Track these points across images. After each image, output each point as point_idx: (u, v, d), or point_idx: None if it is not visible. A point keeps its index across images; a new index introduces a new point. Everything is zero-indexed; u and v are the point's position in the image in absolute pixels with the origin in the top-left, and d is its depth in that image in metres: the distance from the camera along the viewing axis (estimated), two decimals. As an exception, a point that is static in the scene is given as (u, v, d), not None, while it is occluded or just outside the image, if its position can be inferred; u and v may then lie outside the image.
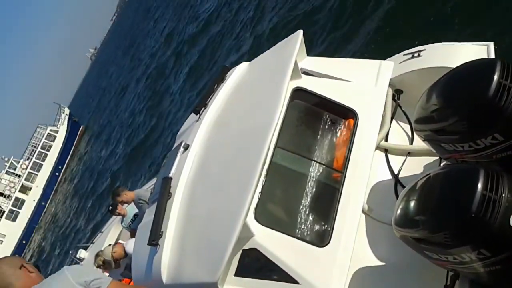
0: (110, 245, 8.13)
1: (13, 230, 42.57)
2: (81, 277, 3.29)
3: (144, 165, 18.88)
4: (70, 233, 26.85)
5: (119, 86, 38.97)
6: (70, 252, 10.71)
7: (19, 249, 42.29)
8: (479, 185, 2.55)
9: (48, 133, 46.45)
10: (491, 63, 2.92)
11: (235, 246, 3.27)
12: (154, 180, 9.00)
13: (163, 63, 26.40)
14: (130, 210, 8.26)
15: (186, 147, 4.25)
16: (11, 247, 42.09)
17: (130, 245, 7.33)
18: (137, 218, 8.00)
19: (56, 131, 46.11)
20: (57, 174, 44.76)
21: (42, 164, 44.94)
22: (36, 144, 46.31)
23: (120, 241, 9.25)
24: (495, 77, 2.81)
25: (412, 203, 2.96)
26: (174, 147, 4.77)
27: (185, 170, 4.07)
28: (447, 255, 2.76)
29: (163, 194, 4.02)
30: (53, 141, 45.67)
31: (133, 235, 8.31)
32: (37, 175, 44.82)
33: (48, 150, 45.50)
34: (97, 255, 7.71)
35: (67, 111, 47.89)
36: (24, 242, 42.24)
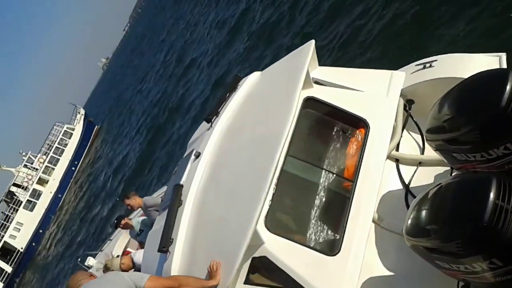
0: (118, 256, 8.12)
1: (31, 219, 44.02)
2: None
3: (154, 172, 18.96)
4: (84, 225, 27.12)
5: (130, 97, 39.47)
6: (79, 259, 10.72)
7: (36, 238, 43.50)
8: (492, 195, 2.55)
9: (65, 130, 48.17)
10: (504, 74, 2.93)
11: (245, 254, 3.28)
12: (163, 189, 9.04)
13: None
14: (135, 224, 8.25)
15: (198, 155, 4.28)
16: (28, 235, 43.43)
17: (138, 256, 7.32)
18: (144, 232, 8.01)
19: (73, 129, 47.98)
20: (73, 168, 46.50)
21: (59, 159, 46.53)
22: (53, 140, 48.16)
23: (128, 249, 9.25)
24: (508, 87, 2.82)
25: (423, 213, 2.96)
26: (185, 155, 4.80)
27: (196, 177, 4.09)
28: (459, 265, 2.74)
29: (174, 201, 4.04)
30: (70, 138, 47.42)
31: (141, 246, 8.32)
32: (54, 169, 46.32)
33: (65, 146, 47.16)
34: (105, 267, 7.69)
35: (82, 111, 49.58)
36: (41, 231, 43.60)
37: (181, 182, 4.17)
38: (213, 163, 4.13)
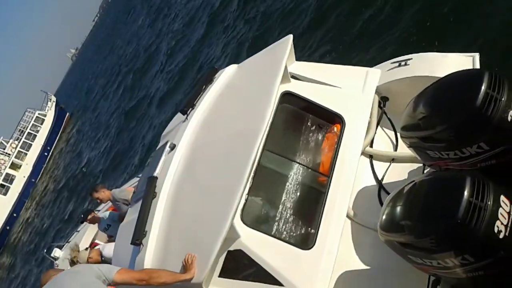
0: (86, 249, 7.97)
1: (4, 203, 44.15)
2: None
3: (124, 162, 18.70)
4: (57, 209, 26.78)
5: (100, 87, 38.89)
6: (45, 250, 10.48)
7: (10, 221, 43.34)
8: (466, 192, 2.61)
9: (37, 116, 48.17)
10: (479, 74, 3.00)
11: (221, 247, 3.27)
12: (133, 180, 8.91)
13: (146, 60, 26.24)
14: (102, 219, 8.12)
15: (173, 147, 4.22)
16: (2, 219, 43.45)
17: (107, 249, 7.20)
18: (112, 226, 7.89)
19: (44, 115, 48.07)
20: (46, 154, 46.62)
21: (31, 144, 46.65)
22: (25, 126, 48.11)
23: (97, 241, 9.11)
24: (483, 87, 2.89)
25: (398, 209, 3.01)
26: (159, 146, 4.74)
27: (171, 170, 4.04)
28: (431, 260, 2.81)
29: (148, 193, 3.99)
30: (42, 124, 47.51)
31: (110, 239, 8.20)
32: (26, 154, 46.44)
33: (37, 132, 47.29)
34: (72, 260, 7.51)
35: (53, 98, 49.65)
36: (14, 215, 43.62)
37: (155, 174, 4.12)
38: (189, 155, 4.09)
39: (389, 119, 4.43)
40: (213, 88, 4.46)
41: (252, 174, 3.59)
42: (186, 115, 4.44)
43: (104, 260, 7.04)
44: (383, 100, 4.42)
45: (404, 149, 4.19)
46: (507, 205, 2.63)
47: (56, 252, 9.59)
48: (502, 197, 2.64)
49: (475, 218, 2.56)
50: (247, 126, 3.68)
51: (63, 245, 9.83)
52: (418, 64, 4.24)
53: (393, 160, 4.29)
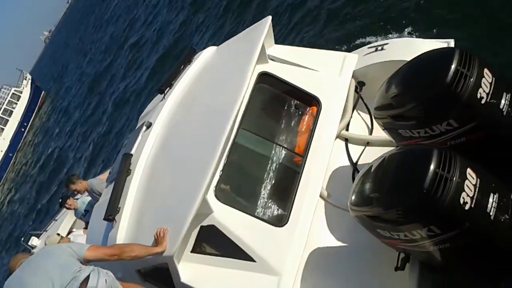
0: (58, 234, 7.89)
1: None
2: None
3: (100, 141, 18.58)
4: (34, 184, 26.50)
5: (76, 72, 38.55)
6: (22, 239, 10.35)
7: None
8: (433, 163, 2.66)
9: (13, 92, 48.44)
10: (450, 51, 3.06)
11: (193, 221, 3.27)
12: (110, 169, 8.85)
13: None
14: (81, 205, 8.06)
15: (149, 125, 4.22)
16: None
17: (79, 239, 7.17)
18: (89, 212, 7.82)
19: (20, 92, 48.33)
20: (22, 130, 47.02)
21: (8, 120, 47.09)
22: (2, 102, 48.32)
23: (74, 229, 9.04)
24: (453, 65, 2.94)
25: (367, 183, 3.06)
26: (137, 127, 4.73)
27: (146, 147, 4.04)
28: (399, 233, 2.85)
29: (122, 170, 3.97)
30: (18, 100, 47.82)
31: (87, 226, 8.14)
32: (3, 129, 46.98)
33: (14, 108, 47.54)
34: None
35: (29, 76, 49.73)
36: None
37: (131, 152, 4.11)
38: (165, 133, 4.09)
39: (365, 103, 4.48)
40: (191, 68, 4.47)
41: (227, 151, 3.61)
42: (163, 95, 4.44)
43: None
44: (359, 85, 4.48)
45: (379, 133, 4.25)
46: (474, 178, 2.68)
47: (34, 241, 9.49)
48: (469, 170, 2.69)
49: (441, 189, 2.60)
50: (222, 103, 3.69)
51: (41, 234, 9.73)
52: (394, 48, 4.30)
53: (367, 143, 4.34)
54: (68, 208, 8.24)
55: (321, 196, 3.93)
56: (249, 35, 4.21)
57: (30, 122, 47.45)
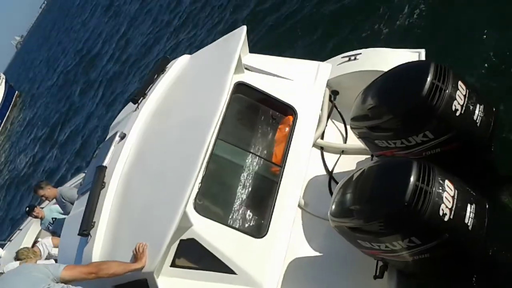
0: (27, 248, 7.61)
1: None
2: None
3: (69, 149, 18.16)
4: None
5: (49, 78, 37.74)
6: None
7: None
8: (413, 176, 2.72)
9: None
10: (426, 65, 3.14)
11: (173, 236, 3.22)
12: (79, 176, 8.64)
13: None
14: (48, 213, 7.85)
15: (123, 136, 4.13)
16: None
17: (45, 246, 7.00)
18: (57, 220, 7.63)
19: None
20: None
21: None
22: None
23: (39, 239, 8.78)
24: (429, 78, 3.02)
25: (347, 194, 3.09)
26: (108, 137, 4.62)
27: (121, 159, 3.95)
28: (379, 243, 2.90)
29: (96, 183, 3.87)
30: None
31: (54, 236, 7.94)
32: None
33: None
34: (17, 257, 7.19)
35: (2, 76, 48.99)
36: None
37: (105, 164, 4.01)
38: (140, 144, 4.01)
39: (339, 112, 4.54)
40: (165, 77, 4.41)
41: (205, 163, 3.58)
42: (137, 104, 4.35)
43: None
44: (333, 94, 4.53)
45: (353, 141, 4.31)
46: (451, 189, 2.76)
47: None
48: (447, 182, 2.77)
49: (421, 202, 2.66)
50: (201, 115, 3.66)
51: (5, 244, 9.39)
52: (367, 58, 4.37)
53: (343, 152, 4.39)
54: (35, 217, 8.01)
55: (299, 206, 3.95)
56: (225, 45, 4.19)
57: (4, 119, 46.89)
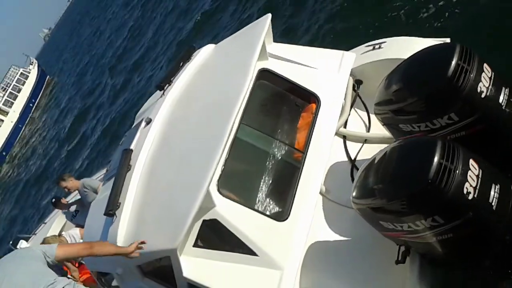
0: (55, 236, 7.78)
1: None
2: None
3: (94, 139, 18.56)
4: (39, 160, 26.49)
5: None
6: (10, 242, 10.18)
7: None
8: (437, 154, 2.71)
9: (22, 72, 50.72)
10: (451, 46, 3.13)
11: (196, 215, 3.27)
12: (103, 171, 8.78)
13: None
14: (72, 207, 8.02)
15: (149, 121, 4.21)
16: None
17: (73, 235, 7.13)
18: (79, 212, 7.78)
19: (29, 72, 50.62)
20: (31, 105, 48.89)
21: (17, 95, 49.19)
22: (11, 79, 50.34)
23: (63, 232, 8.94)
24: (454, 59, 3.01)
25: (370, 175, 3.10)
26: (135, 124, 4.72)
27: (147, 142, 4.03)
28: (402, 224, 2.89)
29: (122, 166, 3.95)
30: (27, 78, 50.00)
31: (78, 228, 8.08)
32: (13, 102, 48.79)
33: (23, 85, 49.63)
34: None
35: (35, 61, 52.71)
36: (4, 153, 45.49)
37: (131, 147, 4.09)
38: (165, 129, 4.08)
39: (362, 101, 4.54)
40: (190, 65, 4.48)
41: (229, 145, 3.62)
42: (163, 91, 4.44)
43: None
44: (357, 83, 4.53)
45: (376, 131, 4.31)
46: (476, 169, 2.74)
47: (23, 244, 9.31)
48: (471, 161, 2.75)
49: (445, 179, 2.65)
50: (224, 98, 3.71)
51: (30, 237, 9.58)
52: (391, 47, 4.36)
53: (365, 141, 4.39)
54: (60, 208, 8.17)
55: (321, 193, 3.96)
56: (249, 33, 4.24)
57: (37, 99, 48.90)
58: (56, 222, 9.22)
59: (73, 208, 7.95)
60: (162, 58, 16.96)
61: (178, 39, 16.46)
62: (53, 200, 8.20)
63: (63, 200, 7.96)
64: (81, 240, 6.92)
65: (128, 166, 3.96)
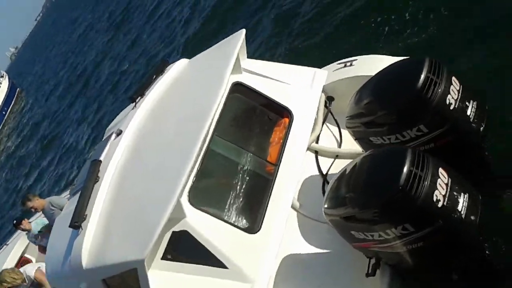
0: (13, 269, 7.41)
1: None
2: None
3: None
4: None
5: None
6: None
7: None
8: (407, 162, 2.74)
9: None
10: (421, 60, 3.21)
11: (166, 226, 3.19)
12: (70, 189, 8.57)
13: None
14: (34, 226, 7.77)
15: (119, 133, 4.16)
16: None
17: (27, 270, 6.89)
18: (43, 233, 7.54)
19: (0, 82, 49.05)
20: (3, 113, 46.85)
21: None
22: None
23: (26, 254, 8.63)
24: (424, 71, 3.09)
25: (342, 185, 3.10)
26: (105, 137, 4.64)
27: (116, 154, 3.96)
28: (373, 232, 2.89)
29: (90, 177, 3.87)
30: None
31: (41, 250, 7.82)
32: None
33: None
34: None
35: (5, 73, 51.46)
36: None
37: (100, 159, 4.01)
38: (137, 140, 4.03)
39: (334, 117, 4.58)
40: (164, 78, 4.47)
41: (201, 157, 3.59)
42: (134, 103, 4.39)
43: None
44: (329, 100, 4.58)
45: (347, 146, 4.35)
46: (445, 177, 2.78)
47: None
48: (441, 169, 2.80)
49: (415, 187, 2.68)
50: (198, 110, 3.69)
51: None
52: (362, 64, 4.45)
53: (337, 156, 4.41)
54: (22, 230, 7.91)
55: (292, 207, 3.95)
56: (223, 47, 4.27)
57: (9, 109, 47.34)
58: (18, 243, 8.91)
59: (36, 229, 7.71)
60: (131, 75, 16.91)
61: (151, 59, 16.53)
62: (15, 221, 7.94)
63: (25, 222, 7.70)
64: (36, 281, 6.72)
65: (96, 177, 3.87)
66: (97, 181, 3.85)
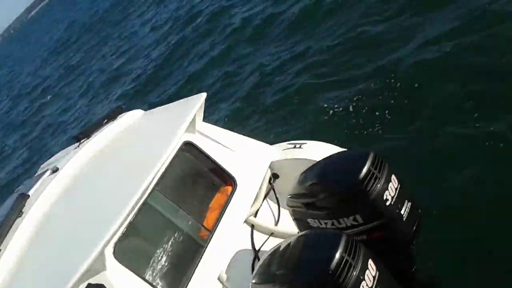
0: None
1: None
2: None
3: None
4: None
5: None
6: None
7: None
8: (341, 247, 2.77)
9: None
10: (366, 153, 3.36)
11: (82, 275, 2.99)
12: None
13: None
14: None
15: (55, 170, 3.99)
16: None
17: None
18: None
19: None
20: None
21: None
22: None
23: None
24: (367, 164, 3.23)
25: (274, 261, 3.07)
26: (38, 173, 4.44)
27: (48, 191, 3.77)
28: None
29: (13, 210, 3.64)
30: None
31: None
32: None
33: None
34: None
35: None
36: None
37: (28, 193, 3.81)
38: (72, 181, 3.87)
39: (275, 195, 4.63)
40: (114, 124, 4.41)
41: (136, 209, 3.48)
42: (78, 143, 4.27)
43: None
44: (274, 177, 4.65)
45: (283, 226, 4.37)
46: (374, 269, 2.82)
47: None
48: (370, 261, 2.84)
49: (345, 274, 2.69)
50: (143, 161, 3.63)
51: None
52: (311, 149, 4.59)
53: (272, 234, 4.40)
54: None
55: (219, 278, 3.84)
56: (182, 105, 4.31)
57: None
58: None
59: None
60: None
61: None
62: None
63: None
64: None
65: (20, 212, 3.64)
66: (20, 216, 3.62)
